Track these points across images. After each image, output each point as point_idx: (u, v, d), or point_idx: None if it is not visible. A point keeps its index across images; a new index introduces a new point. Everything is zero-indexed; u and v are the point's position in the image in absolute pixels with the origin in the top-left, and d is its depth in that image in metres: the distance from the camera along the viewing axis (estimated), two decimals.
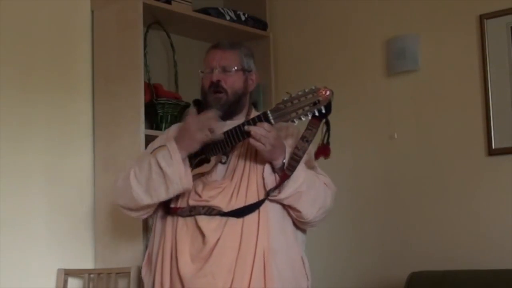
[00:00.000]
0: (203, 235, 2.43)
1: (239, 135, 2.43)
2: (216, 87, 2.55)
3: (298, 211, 2.48)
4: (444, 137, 3.28)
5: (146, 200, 2.49)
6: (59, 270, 3.15)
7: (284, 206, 2.51)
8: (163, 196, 2.47)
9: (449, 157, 3.26)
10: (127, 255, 3.14)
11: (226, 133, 2.45)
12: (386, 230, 3.42)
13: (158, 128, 3.36)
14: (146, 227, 3.12)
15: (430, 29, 3.36)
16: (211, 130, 2.42)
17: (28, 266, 3.09)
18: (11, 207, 3.05)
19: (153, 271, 2.56)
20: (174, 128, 2.71)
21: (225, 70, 2.57)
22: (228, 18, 3.66)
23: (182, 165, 2.42)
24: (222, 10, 3.66)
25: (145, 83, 3.26)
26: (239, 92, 2.58)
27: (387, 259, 3.39)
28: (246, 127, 2.40)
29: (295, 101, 2.36)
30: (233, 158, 2.53)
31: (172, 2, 3.44)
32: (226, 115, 2.57)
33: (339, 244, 3.58)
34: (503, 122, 3.12)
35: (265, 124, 2.38)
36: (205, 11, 3.59)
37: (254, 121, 2.40)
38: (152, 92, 3.39)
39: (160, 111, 3.37)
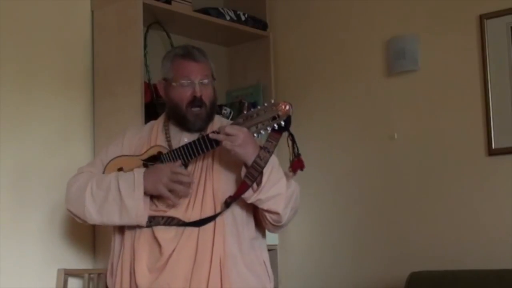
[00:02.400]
0: (160, 245, 2.42)
1: (202, 147, 2.41)
2: (198, 101, 2.51)
3: (277, 214, 2.43)
4: (444, 137, 3.28)
5: (96, 219, 2.48)
6: (59, 270, 3.15)
7: (243, 209, 2.49)
8: (115, 222, 2.47)
9: (449, 157, 3.26)
10: None
11: (188, 145, 2.44)
12: (386, 230, 3.42)
13: None
14: None
15: (430, 29, 3.36)
16: (174, 190, 2.42)
17: (28, 266, 3.09)
18: (11, 207, 3.05)
19: (114, 280, 2.54)
20: (130, 132, 2.68)
21: (202, 83, 2.52)
22: (228, 18, 3.66)
23: (142, 202, 2.41)
24: (222, 10, 3.65)
25: (145, 83, 3.26)
26: (214, 102, 2.57)
27: (387, 259, 3.39)
28: (210, 135, 2.40)
29: (255, 116, 2.38)
30: (189, 167, 2.50)
31: (172, 2, 3.43)
32: (203, 128, 2.56)
33: (339, 244, 3.58)
34: (503, 122, 3.12)
35: (234, 126, 2.39)
36: (205, 11, 3.59)
37: (214, 134, 2.40)
38: (152, 92, 3.38)
39: (160, 111, 3.36)
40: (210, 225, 2.42)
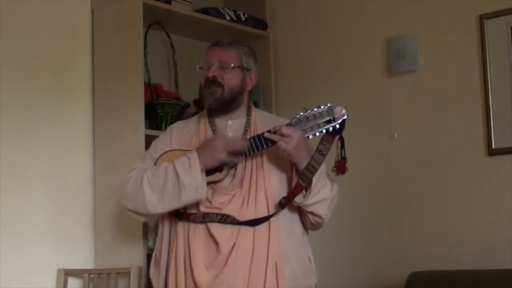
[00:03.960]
0: (216, 243, 2.44)
1: (257, 146, 2.45)
2: (212, 82, 2.54)
3: (320, 217, 2.51)
4: (444, 137, 3.28)
5: (159, 208, 2.47)
6: (59, 270, 3.15)
7: (294, 207, 2.53)
8: (176, 204, 2.46)
9: (449, 157, 3.26)
10: (127, 255, 3.14)
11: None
12: (386, 230, 3.42)
13: (158, 128, 3.36)
14: (146, 228, 3.12)
15: (430, 29, 3.36)
16: (235, 153, 2.45)
17: (28, 266, 3.09)
18: (11, 207, 3.05)
19: (164, 275, 2.56)
20: (176, 127, 2.71)
21: (222, 67, 2.55)
22: (228, 18, 3.66)
23: (200, 175, 2.43)
24: (222, 10, 3.65)
25: (145, 83, 3.26)
26: (235, 90, 2.57)
27: (387, 259, 3.39)
28: (266, 134, 2.44)
29: (311, 117, 2.42)
30: (239, 167, 2.53)
31: (172, 2, 3.43)
32: (221, 110, 2.58)
33: (338, 244, 3.58)
34: (503, 122, 3.12)
35: (290, 127, 2.43)
36: (205, 11, 3.58)
37: (270, 133, 2.46)
38: (152, 92, 3.39)
39: (160, 111, 3.37)
40: (265, 225, 2.46)
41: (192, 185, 2.42)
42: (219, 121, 2.61)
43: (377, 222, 3.45)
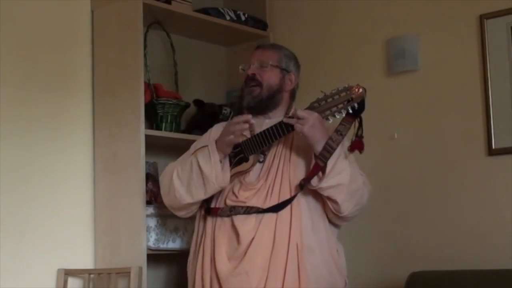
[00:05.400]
0: (238, 234, 2.50)
1: (278, 132, 2.51)
2: (251, 80, 2.64)
3: (336, 203, 2.53)
4: (444, 137, 3.28)
5: (187, 199, 2.60)
6: (59, 270, 3.15)
7: (318, 201, 2.56)
8: (202, 195, 2.57)
9: (449, 157, 3.26)
10: (127, 255, 3.13)
11: (265, 131, 2.52)
12: (386, 230, 3.42)
13: (158, 128, 3.36)
14: (146, 228, 3.12)
15: (430, 29, 3.36)
16: (238, 133, 2.51)
17: (28, 266, 3.09)
18: (11, 206, 3.05)
19: (195, 267, 2.63)
20: (216, 128, 2.80)
21: (261, 65, 2.66)
22: (228, 18, 3.66)
23: (219, 165, 2.51)
24: (222, 10, 3.65)
25: (145, 83, 3.26)
26: (274, 88, 2.66)
27: (387, 259, 3.39)
28: (285, 120, 2.49)
29: (329, 99, 2.46)
30: (268, 157, 2.60)
31: (172, 2, 3.43)
32: (258, 109, 2.66)
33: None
34: (503, 122, 3.12)
35: (306, 110, 2.47)
36: (205, 11, 3.58)
37: (288, 118, 2.51)
38: (152, 92, 3.39)
39: (160, 111, 3.37)
40: (287, 215, 2.50)
41: (212, 175, 2.51)
42: (257, 121, 2.67)
43: (377, 222, 3.45)
